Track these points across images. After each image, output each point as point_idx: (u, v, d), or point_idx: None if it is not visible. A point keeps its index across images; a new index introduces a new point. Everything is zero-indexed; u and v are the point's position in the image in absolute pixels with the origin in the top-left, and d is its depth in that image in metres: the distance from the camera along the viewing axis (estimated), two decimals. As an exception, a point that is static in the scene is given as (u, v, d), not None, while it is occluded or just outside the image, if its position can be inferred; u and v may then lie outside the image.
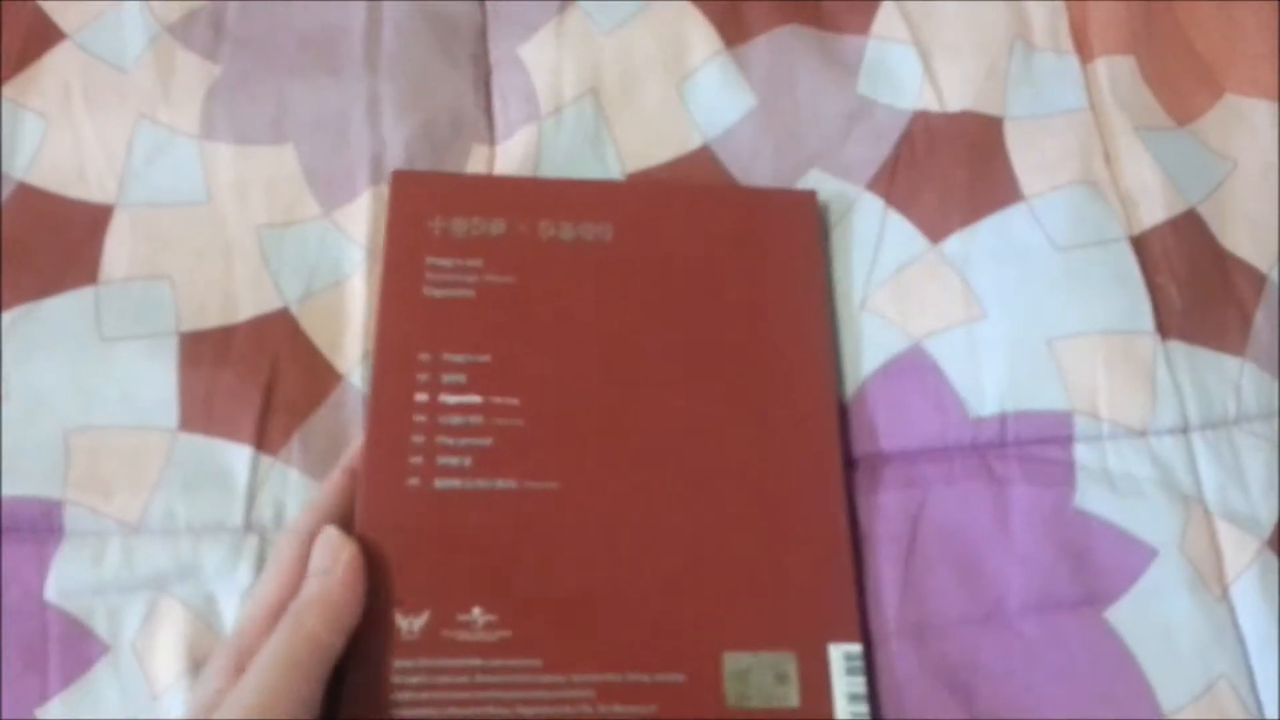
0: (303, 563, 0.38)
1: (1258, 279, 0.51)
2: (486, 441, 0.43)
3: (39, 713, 0.42)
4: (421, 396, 0.44)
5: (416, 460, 0.42)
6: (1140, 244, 0.51)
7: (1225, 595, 0.45)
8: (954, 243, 0.51)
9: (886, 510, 0.46)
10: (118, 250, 0.50)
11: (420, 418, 0.43)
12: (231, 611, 0.44)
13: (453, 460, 0.43)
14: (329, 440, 0.47)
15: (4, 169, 0.52)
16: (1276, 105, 0.55)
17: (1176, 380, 0.48)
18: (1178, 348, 0.49)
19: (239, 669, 0.35)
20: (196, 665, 0.43)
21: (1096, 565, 0.45)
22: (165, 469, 0.46)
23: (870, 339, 0.49)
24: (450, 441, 0.43)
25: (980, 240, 0.51)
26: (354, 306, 0.49)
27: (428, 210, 0.48)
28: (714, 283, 0.48)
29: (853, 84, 0.55)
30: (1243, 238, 0.52)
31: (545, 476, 0.42)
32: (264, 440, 0.46)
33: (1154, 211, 0.52)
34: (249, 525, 0.45)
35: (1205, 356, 0.49)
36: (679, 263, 0.48)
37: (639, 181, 0.52)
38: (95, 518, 0.45)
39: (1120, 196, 0.52)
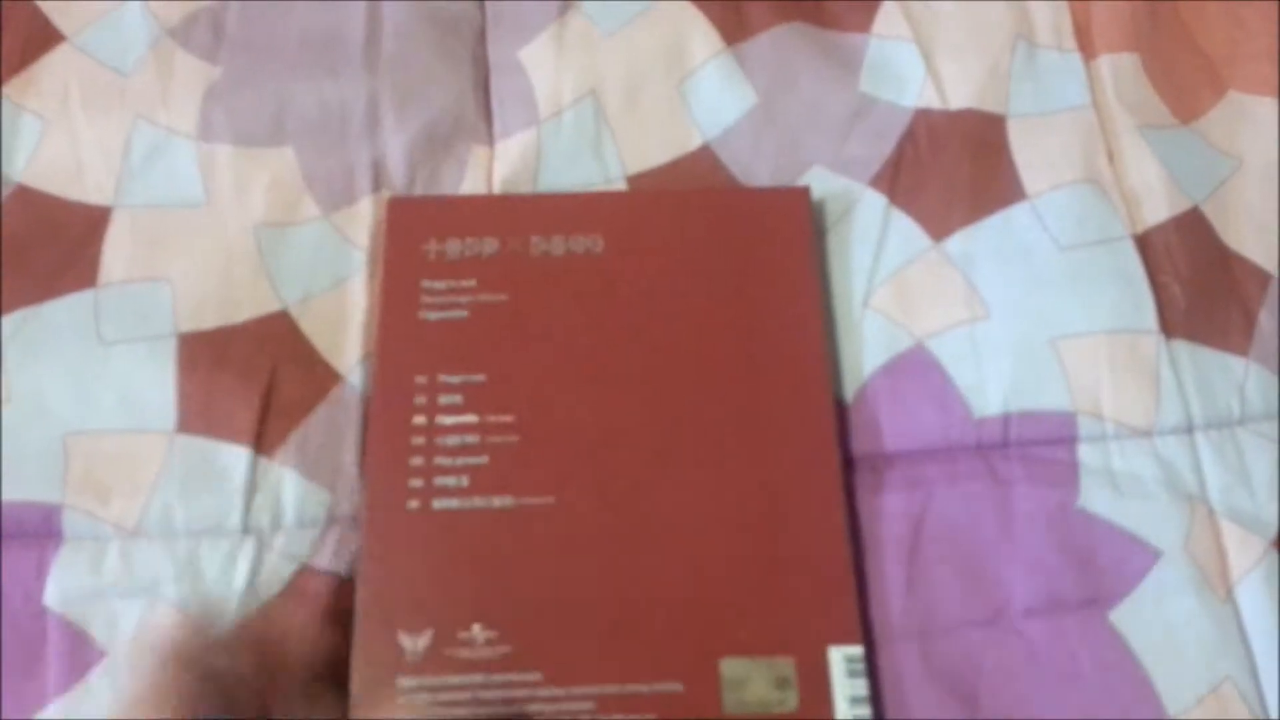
0: None
1: (1262, 278, 0.51)
2: (483, 460, 0.43)
3: (37, 717, 0.42)
4: (419, 419, 0.44)
5: (416, 483, 0.43)
6: (1143, 242, 0.51)
7: (1230, 596, 0.45)
8: (956, 241, 0.51)
9: (890, 511, 0.46)
10: (116, 252, 0.50)
11: (419, 440, 0.43)
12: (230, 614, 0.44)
13: (450, 480, 0.43)
14: (327, 441, 0.46)
15: (3, 170, 0.52)
16: (1281, 102, 0.55)
17: (1180, 380, 0.48)
18: (1181, 347, 0.49)
19: None
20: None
21: (1100, 567, 0.45)
22: (163, 471, 0.46)
23: (873, 338, 0.49)
24: (448, 462, 0.44)
25: (983, 239, 0.51)
26: (353, 308, 0.49)
27: (422, 234, 0.48)
28: (706, 288, 0.48)
29: (854, 82, 0.55)
30: (1247, 236, 0.52)
31: (541, 492, 0.43)
32: (262, 442, 0.46)
33: (1157, 210, 0.51)
34: (246, 528, 0.45)
35: (1209, 356, 0.49)
36: (670, 270, 0.48)
37: (631, 190, 0.52)
38: (93, 522, 0.45)
39: (1123, 195, 0.52)
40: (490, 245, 0.47)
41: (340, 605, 0.43)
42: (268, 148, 0.52)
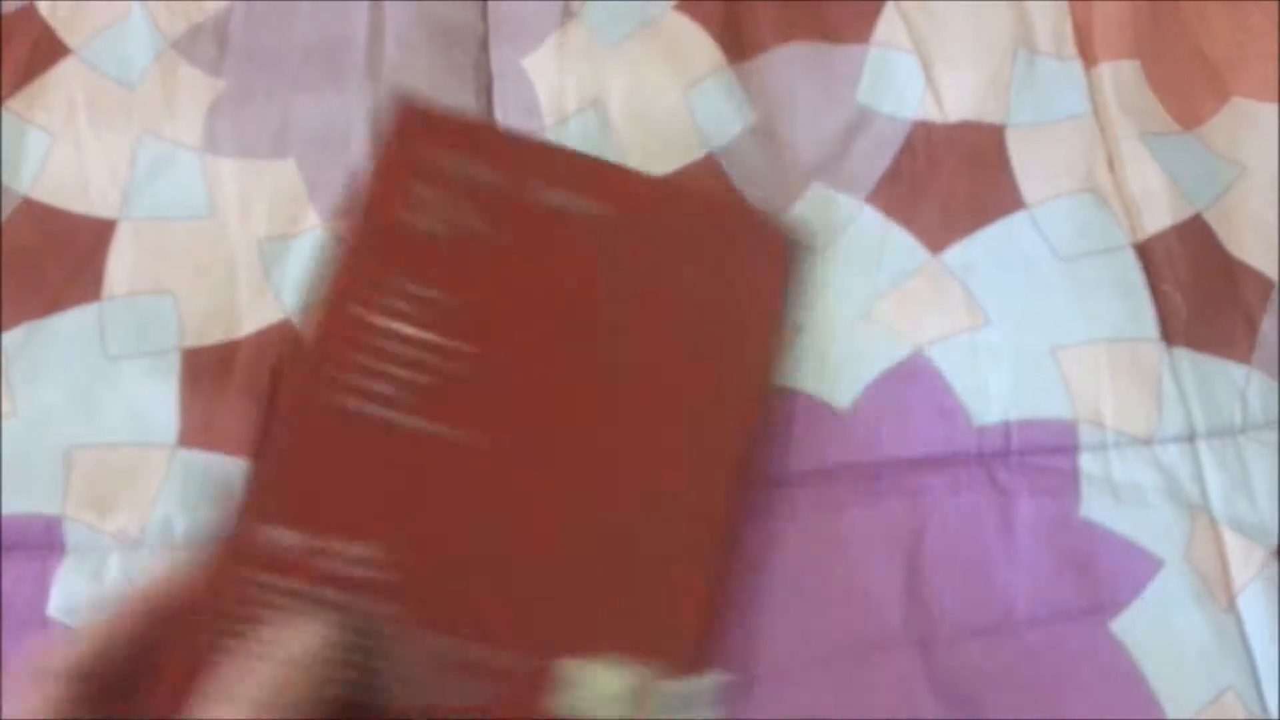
0: None
1: (1265, 285, 0.51)
2: (429, 381, 0.42)
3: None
4: (379, 320, 0.43)
5: (354, 380, 0.42)
6: (1144, 250, 0.50)
7: (1232, 605, 0.44)
8: (955, 252, 0.51)
9: (890, 519, 0.46)
10: (121, 265, 0.50)
11: (372, 340, 0.43)
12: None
13: (389, 390, 0.42)
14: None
15: (9, 184, 0.52)
16: (1285, 109, 0.55)
17: (1182, 388, 0.48)
18: (1183, 355, 0.48)
19: None
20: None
21: (1102, 576, 0.45)
22: (164, 484, 0.46)
23: (872, 348, 0.49)
24: (395, 371, 0.43)
25: (982, 248, 0.51)
26: (356, 319, 0.49)
27: (424, 141, 0.48)
28: (673, 288, 0.47)
29: (853, 94, 0.55)
30: (1250, 243, 0.52)
31: (473, 431, 0.42)
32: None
33: (1159, 217, 0.51)
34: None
35: (1211, 364, 0.48)
36: (648, 259, 0.48)
37: (643, 172, 0.52)
38: (94, 534, 0.45)
39: (1124, 203, 0.52)
40: (489, 173, 0.46)
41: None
42: (271, 160, 0.53)
